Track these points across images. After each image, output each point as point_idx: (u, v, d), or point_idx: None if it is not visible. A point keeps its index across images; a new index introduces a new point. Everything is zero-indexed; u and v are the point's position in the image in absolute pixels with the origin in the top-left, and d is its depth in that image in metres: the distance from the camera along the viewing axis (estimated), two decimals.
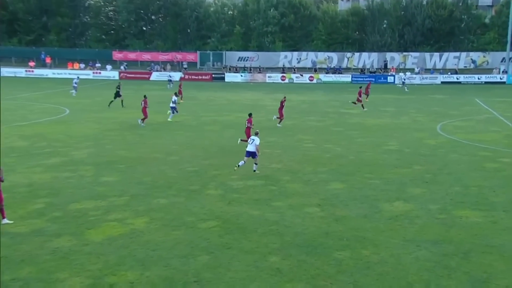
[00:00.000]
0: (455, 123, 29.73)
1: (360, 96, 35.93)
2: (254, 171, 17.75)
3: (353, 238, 11.99)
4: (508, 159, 20.10)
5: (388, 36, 68.89)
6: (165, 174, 17.63)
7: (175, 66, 69.51)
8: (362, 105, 35.62)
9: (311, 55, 69.72)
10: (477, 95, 45.16)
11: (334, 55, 69.27)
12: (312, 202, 14.66)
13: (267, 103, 41.04)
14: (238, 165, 17.65)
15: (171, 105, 30.54)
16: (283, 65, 68.54)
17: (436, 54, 66.10)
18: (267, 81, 64.20)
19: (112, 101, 36.04)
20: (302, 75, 64.03)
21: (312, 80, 63.42)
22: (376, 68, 65.78)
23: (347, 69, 67.49)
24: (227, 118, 31.25)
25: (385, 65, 66.37)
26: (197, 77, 64.16)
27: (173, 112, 30.42)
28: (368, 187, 16.24)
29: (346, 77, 63.31)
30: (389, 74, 63.17)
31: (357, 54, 68.55)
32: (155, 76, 65.03)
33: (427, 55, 66.26)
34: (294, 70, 66.14)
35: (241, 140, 21.91)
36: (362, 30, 72.61)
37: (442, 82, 59.48)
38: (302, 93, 50.13)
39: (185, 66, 69.75)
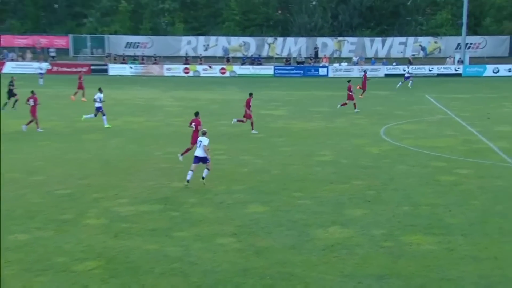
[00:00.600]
0: (403, 126, 31.31)
1: (350, 91, 36.18)
2: (203, 178, 18.69)
3: (278, 276, 12.17)
4: (466, 170, 21.44)
5: (318, 16, 71.32)
6: (25, 200, 17.10)
7: (39, 54, 67.13)
8: (354, 103, 36.18)
9: (222, 40, 70.45)
10: (428, 91, 47.91)
11: (252, 41, 70.51)
12: (226, 231, 14.75)
13: (166, 103, 40.79)
14: (188, 180, 18.44)
15: (97, 104, 30.26)
16: (186, 54, 68.64)
17: (378, 40, 69.36)
18: (166, 74, 63.98)
19: (6, 102, 35.72)
20: (211, 67, 64.40)
21: (224, 73, 64.00)
22: (304, 57, 67.79)
23: (269, 59, 68.98)
24: (113, 123, 30.72)
25: (316, 53, 68.59)
26: (69, 69, 62.51)
27: (96, 115, 30.32)
28: (297, 209, 16.61)
29: (267, 69, 64.66)
30: (321, 65, 65.35)
31: (280, 39, 70.28)
32: (9, 67, 62.50)
33: (366, 40, 69.33)
34: (201, 61, 66.42)
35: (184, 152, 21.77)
36: (286, 9, 74.65)
37: (386, 75, 62.44)
38: (212, 89, 50.36)
39: (53, 54, 67.63)
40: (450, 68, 62.76)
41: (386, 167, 21.77)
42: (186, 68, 64.29)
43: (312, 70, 64.18)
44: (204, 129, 19.59)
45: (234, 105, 38.69)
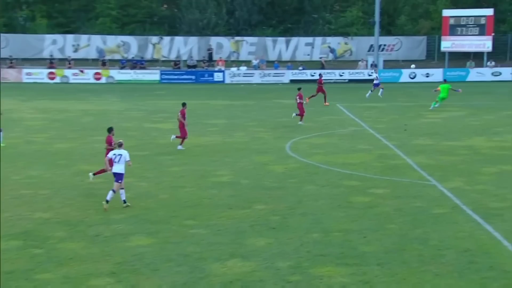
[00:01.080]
0: (311, 140, 31.99)
1: (301, 100, 36.82)
2: (125, 202, 19.32)
3: None
4: (382, 189, 22.14)
5: (212, 12, 71.81)
6: None
7: None
8: (301, 116, 36.61)
9: (96, 40, 69.43)
10: (339, 99, 49.30)
11: (133, 41, 69.98)
12: (102, 270, 14.46)
13: (26, 116, 39.58)
14: (107, 201, 18.86)
15: None
16: (51, 56, 67.03)
17: (282, 40, 70.78)
18: (25, 80, 62.22)
19: None
20: (82, 71, 63.25)
21: (99, 79, 63.01)
22: (196, 60, 68.02)
23: (154, 62, 68.67)
24: None
25: (210, 55, 69.00)
26: None
27: None
28: (189, 240, 16.54)
29: (152, 74, 64.36)
30: (216, 69, 65.78)
31: (167, 39, 70.22)
32: None
33: (268, 40, 70.58)
34: (70, 64, 65.06)
35: None
36: (173, 3, 74.59)
37: (291, 81, 63.71)
38: (84, 99, 49.38)
39: None
40: (363, 72, 64.77)
41: (293, 188, 22.11)
42: (51, 73, 62.76)
43: (206, 75, 64.48)
44: (121, 140, 19.99)
45: (112, 118, 38.10)
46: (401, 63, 68.65)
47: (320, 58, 69.18)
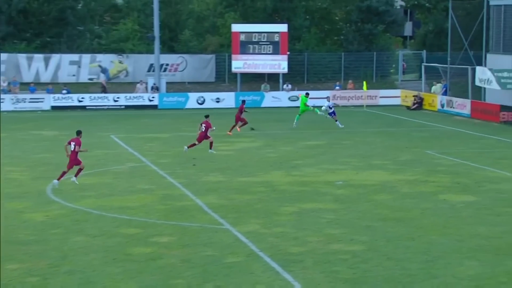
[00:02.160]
0: (79, 180, 31.41)
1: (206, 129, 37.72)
2: None
3: None
4: (167, 237, 22.27)
5: None
6: None
7: None
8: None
9: None
10: (113, 129, 49.03)
11: None
12: None
13: None
14: None
15: None
16: None
17: (39, 57, 68.64)
18: None
19: None
20: None
21: None
22: None
23: None
24: None
25: None
26: None
27: None
28: None
29: None
30: None
31: None
32: None
33: (21, 58, 68.29)
34: None
35: None
36: None
37: (53, 107, 62.07)
38: None
39: None
40: (143, 97, 64.54)
41: (56, 241, 21.66)
42: None
43: None
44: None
45: None
46: (188, 86, 69.45)
47: (90, 80, 68.27)
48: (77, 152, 29.53)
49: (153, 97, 64.43)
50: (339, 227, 23.81)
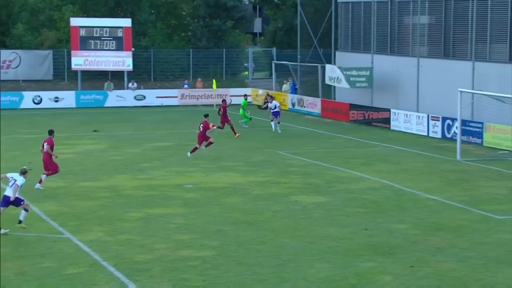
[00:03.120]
0: None
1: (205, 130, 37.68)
2: (20, 222, 23.10)
3: None
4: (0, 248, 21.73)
5: None
6: None
7: None
8: (196, 148, 38.18)
9: None
10: None
11: None
12: None
13: None
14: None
15: None
16: None
17: None
18: None
19: None
20: None
21: None
22: None
23: None
24: None
25: None
26: None
27: None
28: None
29: None
30: None
31: None
32: None
33: None
34: None
35: None
36: None
37: None
38: None
39: None
40: None
41: None
42: None
43: None
44: (24, 167, 24.57)
45: None
46: (22, 84, 67.60)
47: None
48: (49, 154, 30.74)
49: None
50: (188, 232, 23.86)
